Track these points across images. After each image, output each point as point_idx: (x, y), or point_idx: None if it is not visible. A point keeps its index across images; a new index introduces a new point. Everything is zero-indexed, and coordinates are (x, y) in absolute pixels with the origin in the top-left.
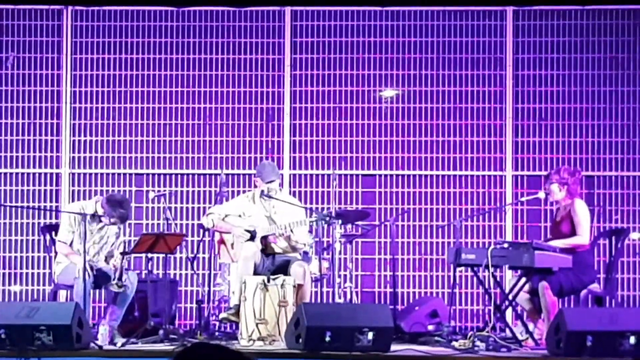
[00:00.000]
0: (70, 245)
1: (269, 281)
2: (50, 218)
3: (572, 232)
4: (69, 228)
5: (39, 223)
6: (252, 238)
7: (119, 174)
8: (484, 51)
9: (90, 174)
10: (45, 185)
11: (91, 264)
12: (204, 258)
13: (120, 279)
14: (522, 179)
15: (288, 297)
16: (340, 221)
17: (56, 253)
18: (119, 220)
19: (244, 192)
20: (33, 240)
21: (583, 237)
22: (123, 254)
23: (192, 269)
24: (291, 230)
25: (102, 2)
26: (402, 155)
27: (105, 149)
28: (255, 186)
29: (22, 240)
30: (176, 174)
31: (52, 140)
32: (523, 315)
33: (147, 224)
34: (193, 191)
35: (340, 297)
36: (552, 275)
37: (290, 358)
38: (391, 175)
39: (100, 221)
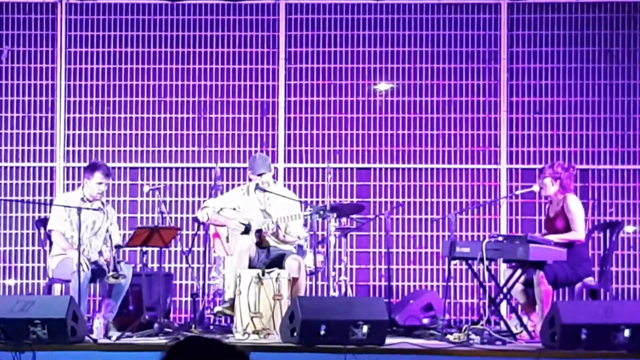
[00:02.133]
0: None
1: (263, 275)
2: (45, 212)
3: (567, 228)
4: (63, 216)
5: (33, 217)
6: (247, 231)
7: (113, 168)
8: (478, 44)
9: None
10: (39, 179)
11: (87, 257)
12: (198, 252)
13: (115, 269)
14: (517, 172)
15: (283, 290)
16: (335, 214)
17: (51, 244)
18: (103, 178)
19: (238, 185)
20: (27, 234)
21: (578, 233)
22: (118, 247)
23: (187, 262)
24: (277, 227)
25: None
26: (397, 149)
27: (100, 143)
28: (250, 179)
29: (16, 234)
30: (171, 168)
31: (46, 133)
32: (517, 309)
33: (141, 218)
34: (188, 185)
35: (335, 291)
36: (547, 266)
37: (285, 351)
38: (386, 169)
39: (90, 202)
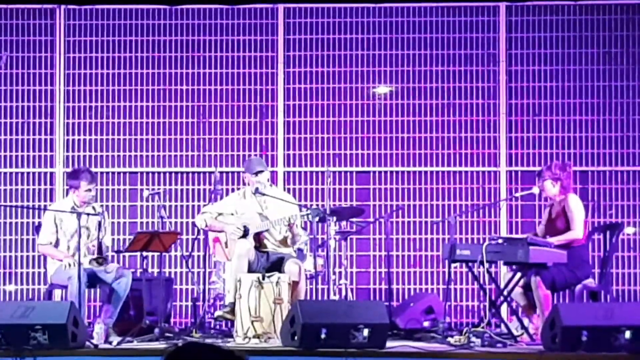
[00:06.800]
0: (56, 245)
1: (263, 279)
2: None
3: (567, 229)
4: (51, 229)
5: (33, 222)
6: (245, 235)
7: (112, 173)
8: (477, 47)
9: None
10: (39, 184)
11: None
12: (199, 256)
13: (100, 253)
14: (517, 174)
15: (283, 294)
16: (334, 218)
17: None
18: (89, 183)
19: (238, 189)
20: (28, 239)
21: (577, 232)
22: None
23: (187, 267)
24: (291, 226)
25: (95, 1)
26: (396, 152)
27: (99, 148)
28: (247, 183)
29: (16, 240)
30: (170, 172)
31: (45, 139)
32: (518, 311)
33: (141, 223)
34: (187, 189)
35: (335, 294)
36: (545, 270)
37: (286, 355)
38: (385, 172)
39: (80, 212)
